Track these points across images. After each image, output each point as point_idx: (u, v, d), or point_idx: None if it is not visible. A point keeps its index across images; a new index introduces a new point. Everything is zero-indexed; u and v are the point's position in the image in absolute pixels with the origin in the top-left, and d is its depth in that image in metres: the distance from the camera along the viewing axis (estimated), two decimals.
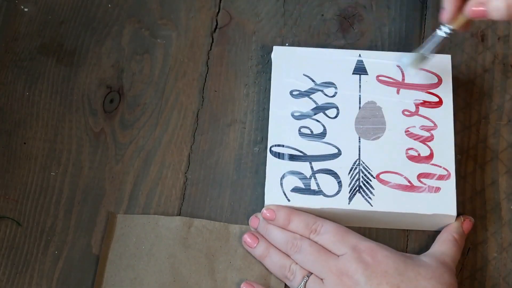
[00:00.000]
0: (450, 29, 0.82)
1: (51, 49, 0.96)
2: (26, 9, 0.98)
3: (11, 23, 0.98)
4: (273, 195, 0.86)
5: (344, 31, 0.96)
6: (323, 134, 0.89)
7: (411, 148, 0.87)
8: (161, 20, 0.98)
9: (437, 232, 0.86)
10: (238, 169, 0.90)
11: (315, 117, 0.90)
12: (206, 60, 0.95)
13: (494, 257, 0.86)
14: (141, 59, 0.95)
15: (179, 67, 0.95)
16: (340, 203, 0.85)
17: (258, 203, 0.88)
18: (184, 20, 0.97)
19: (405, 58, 0.89)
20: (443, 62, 0.91)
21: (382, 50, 0.95)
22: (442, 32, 0.83)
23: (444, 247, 0.83)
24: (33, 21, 0.98)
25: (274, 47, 0.92)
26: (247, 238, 0.85)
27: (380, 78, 0.91)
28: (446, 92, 0.90)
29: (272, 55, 0.92)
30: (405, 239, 0.87)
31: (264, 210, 0.85)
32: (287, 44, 0.95)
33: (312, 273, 0.82)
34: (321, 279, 0.81)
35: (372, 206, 0.85)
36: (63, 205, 0.88)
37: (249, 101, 0.93)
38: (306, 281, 0.82)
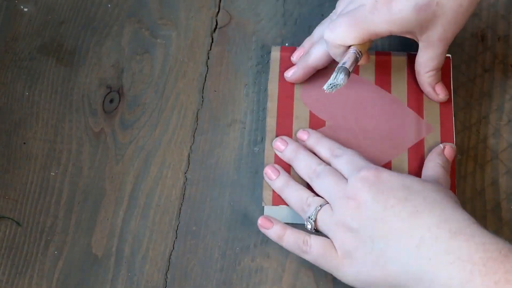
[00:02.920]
0: None
1: (51, 49, 0.96)
2: (26, 9, 0.98)
3: (11, 23, 0.98)
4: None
5: None
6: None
7: None
8: (161, 20, 0.98)
9: None
10: (238, 169, 0.90)
11: None
12: (206, 60, 0.95)
13: None
14: (141, 59, 0.96)
15: (179, 67, 0.95)
16: None
17: (258, 203, 0.88)
18: (184, 20, 0.97)
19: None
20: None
21: (382, 50, 0.95)
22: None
23: (435, 173, 0.83)
24: (33, 21, 0.98)
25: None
26: (268, 170, 0.85)
27: None
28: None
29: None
30: None
31: (301, 132, 0.86)
32: (287, 44, 0.95)
33: (326, 203, 0.81)
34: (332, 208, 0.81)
35: None
36: (63, 205, 0.88)
37: (249, 101, 0.93)
38: (318, 210, 0.81)
